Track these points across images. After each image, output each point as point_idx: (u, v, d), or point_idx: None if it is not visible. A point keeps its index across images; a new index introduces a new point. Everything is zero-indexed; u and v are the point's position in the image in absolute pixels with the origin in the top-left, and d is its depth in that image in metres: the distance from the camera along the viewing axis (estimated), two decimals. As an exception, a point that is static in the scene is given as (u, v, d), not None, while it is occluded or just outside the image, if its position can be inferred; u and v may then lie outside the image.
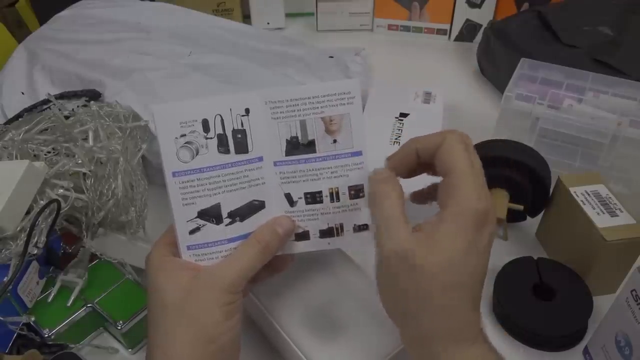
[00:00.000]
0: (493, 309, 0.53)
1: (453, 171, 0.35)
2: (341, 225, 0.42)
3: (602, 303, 0.50)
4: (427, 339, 0.35)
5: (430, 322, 0.34)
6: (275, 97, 0.40)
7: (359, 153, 0.40)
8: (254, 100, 0.40)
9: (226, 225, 0.40)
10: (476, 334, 0.35)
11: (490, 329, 0.51)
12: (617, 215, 0.50)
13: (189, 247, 0.39)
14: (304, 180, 0.41)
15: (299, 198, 0.41)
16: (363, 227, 0.42)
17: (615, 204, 0.51)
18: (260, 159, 0.40)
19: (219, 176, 0.39)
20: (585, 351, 0.49)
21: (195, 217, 0.39)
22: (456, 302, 0.34)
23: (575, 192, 0.53)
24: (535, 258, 0.54)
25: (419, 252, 0.33)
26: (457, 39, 0.96)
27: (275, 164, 0.41)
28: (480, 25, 0.93)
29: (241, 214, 0.40)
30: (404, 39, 0.98)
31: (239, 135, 0.40)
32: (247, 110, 0.40)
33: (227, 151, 0.39)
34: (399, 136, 0.63)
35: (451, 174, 0.35)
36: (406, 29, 0.98)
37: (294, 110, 0.40)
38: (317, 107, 0.40)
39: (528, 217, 0.60)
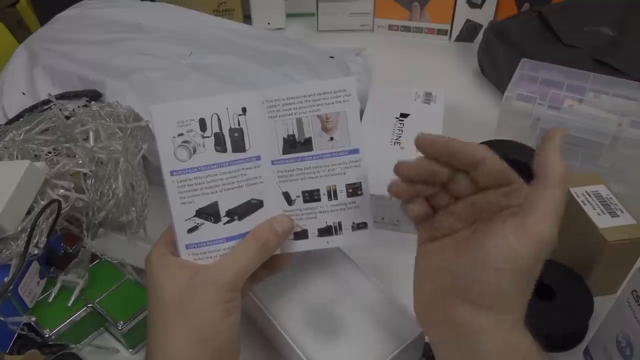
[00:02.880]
0: (493, 310, 0.53)
1: (516, 180, 0.35)
2: (339, 224, 0.42)
3: (603, 303, 0.50)
4: (473, 330, 0.34)
5: (523, 299, 0.35)
6: (271, 96, 0.40)
7: (356, 151, 0.41)
8: (251, 99, 0.40)
9: (224, 223, 0.40)
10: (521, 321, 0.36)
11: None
12: (617, 216, 0.50)
13: (187, 246, 0.39)
14: (301, 179, 0.41)
15: (297, 196, 0.41)
16: (362, 225, 0.42)
17: (615, 204, 0.51)
18: (258, 157, 0.40)
19: (216, 175, 0.39)
20: (586, 352, 0.49)
21: (194, 216, 0.39)
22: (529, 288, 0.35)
23: (575, 192, 0.53)
24: (536, 258, 0.54)
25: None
26: (457, 39, 0.96)
27: (272, 162, 0.41)
28: (481, 26, 0.93)
29: (239, 212, 0.40)
30: (404, 39, 0.98)
31: (236, 134, 0.40)
32: (244, 110, 0.40)
33: (224, 150, 0.40)
34: (400, 136, 0.63)
35: (517, 183, 0.35)
36: (407, 29, 0.98)
37: (291, 109, 0.40)
38: (314, 105, 0.40)
39: (528, 218, 0.59)
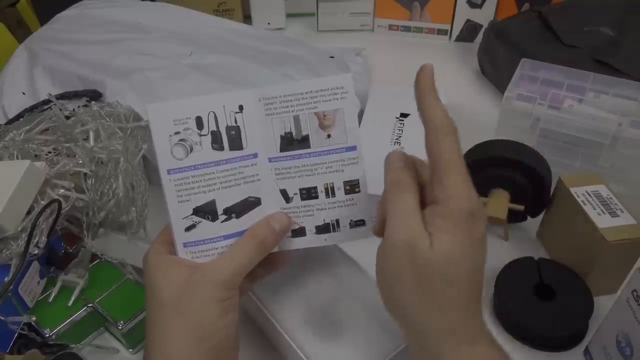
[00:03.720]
0: (494, 309, 0.53)
1: (441, 162, 0.34)
2: (337, 221, 0.42)
3: (603, 303, 0.50)
4: (428, 336, 0.34)
5: (430, 318, 0.33)
6: (268, 94, 0.40)
7: (353, 148, 0.41)
8: (248, 97, 0.40)
9: (222, 222, 0.40)
10: (480, 334, 0.34)
11: (491, 330, 0.51)
12: (618, 216, 0.50)
13: (185, 245, 0.39)
14: (299, 176, 0.41)
15: (294, 194, 0.41)
16: (359, 223, 0.42)
17: (616, 204, 0.51)
18: (255, 155, 0.40)
19: (213, 173, 0.39)
20: (586, 351, 0.49)
21: (191, 214, 0.39)
22: (456, 298, 0.33)
23: (576, 192, 0.53)
24: (536, 258, 0.54)
25: (424, 244, 0.33)
26: (457, 39, 0.96)
27: (269, 160, 0.41)
28: (481, 26, 0.93)
29: (237, 210, 0.40)
30: (404, 39, 0.98)
31: (233, 132, 0.40)
32: (241, 107, 0.40)
33: (221, 148, 0.40)
34: (400, 136, 0.63)
35: (440, 165, 0.34)
36: (407, 29, 0.98)
37: (288, 106, 0.40)
38: (311, 103, 0.40)
39: (529, 218, 0.60)
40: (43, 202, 0.48)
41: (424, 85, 0.37)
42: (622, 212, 0.51)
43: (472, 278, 0.34)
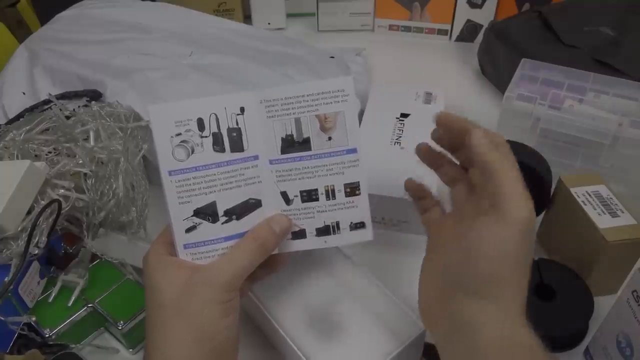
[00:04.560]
0: (494, 310, 0.53)
1: (499, 175, 0.35)
2: (337, 223, 0.42)
3: (603, 304, 0.50)
4: (517, 310, 0.35)
5: (523, 291, 0.35)
6: (270, 96, 0.40)
7: (354, 150, 0.41)
8: (249, 99, 0.40)
9: (222, 223, 0.40)
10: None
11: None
12: (618, 216, 0.50)
13: (185, 246, 0.39)
14: (299, 178, 0.41)
15: (295, 196, 0.41)
16: (359, 225, 0.42)
17: (616, 204, 0.51)
18: (256, 157, 0.41)
19: (214, 174, 0.40)
20: (586, 352, 0.49)
21: (192, 216, 0.39)
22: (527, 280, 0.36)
23: (576, 192, 0.53)
24: (536, 258, 0.54)
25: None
26: (458, 39, 0.96)
27: (270, 162, 0.41)
28: (481, 26, 0.93)
29: (237, 212, 0.40)
30: (404, 39, 0.98)
31: (234, 134, 0.40)
32: (242, 109, 0.40)
33: (223, 150, 0.40)
34: (400, 136, 0.63)
35: (497, 177, 0.35)
36: (407, 29, 0.98)
37: (289, 109, 0.40)
38: (312, 105, 0.40)
39: (529, 218, 0.59)
40: (43, 202, 0.48)
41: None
42: (623, 212, 0.50)
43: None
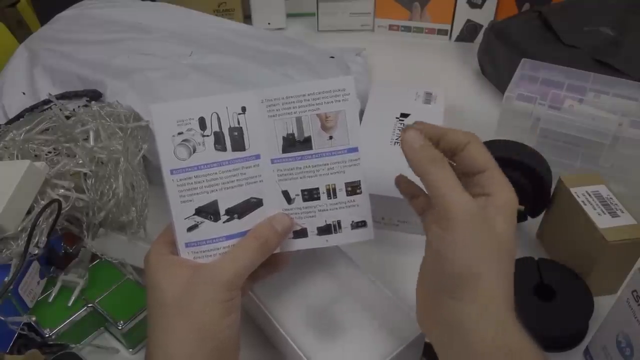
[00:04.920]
0: (494, 310, 0.53)
1: (490, 168, 0.37)
2: (339, 222, 0.42)
3: (603, 303, 0.50)
4: (496, 302, 0.35)
5: (504, 283, 0.35)
6: (271, 96, 0.40)
7: (355, 149, 0.41)
8: (250, 98, 0.40)
9: (224, 222, 0.40)
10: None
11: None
12: (618, 216, 0.50)
13: (187, 245, 0.40)
14: (301, 177, 0.41)
15: (296, 195, 0.41)
16: (361, 224, 0.42)
17: (616, 204, 0.51)
18: (257, 156, 0.41)
19: (216, 173, 0.40)
20: (586, 352, 0.49)
21: (193, 215, 0.39)
22: (510, 275, 0.36)
23: (576, 192, 0.53)
24: (536, 258, 0.54)
25: (495, 218, 0.36)
26: (458, 39, 0.96)
27: (272, 161, 0.41)
28: (481, 26, 0.93)
29: (239, 211, 0.40)
30: (404, 39, 0.98)
31: (236, 133, 0.40)
32: (244, 109, 0.40)
33: (224, 149, 0.40)
34: (400, 136, 0.63)
35: (489, 170, 0.37)
36: (407, 29, 0.98)
37: (290, 108, 0.40)
38: (313, 104, 0.40)
39: (529, 218, 0.60)
40: (43, 202, 0.48)
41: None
42: (622, 212, 0.50)
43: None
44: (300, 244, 0.42)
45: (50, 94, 0.62)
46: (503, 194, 0.36)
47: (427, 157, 0.36)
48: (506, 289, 0.35)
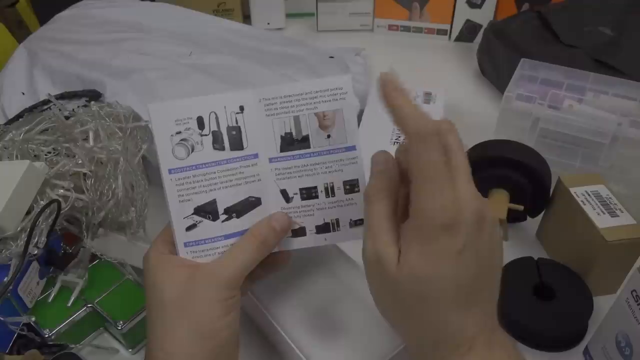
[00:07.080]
0: (493, 309, 0.53)
1: (413, 175, 0.32)
2: (337, 221, 0.42)
3: (603, 303, 0.50)
4: (412, 346, 0.35)
5: (410, 331, 0.34)
6: (269, 95, 0.40)
7: (352, 148, 0.41)
8: (248, 98, 0.40)
9: (222, 221, 0.40)
10: (470, 340, 0.32)
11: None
12: (617, 216, 0.50)
13: (186, 244, 0.40)
14: (299, 176, 0.41)
15: (294, 194, 0.41)
16: (359, 222, 0.42)
17: (615, 204, 0.51)
18: (256, 155, 0.41)
19: (214, 172, 0.40)
20: (586, 351, 0.49)
21: (192, 214, 0.39)
22: (432, 314, 0.32)
23: (575, 192, 0.53)
24: (536, 258, 0.54)
25: (390, 261, 0.32)
26: (457, 39, 0.96)
27: (270, 160, 0.41)
28: (481, 26, 0.93)
29: (237, 210, 0.40)
30: (404, 39, 0.98)
31: (234, 132, 0.40)
32: (242, 108, 0.40)
33: (222, 148, 0.40)
34: (399, 136, 0.63)
35: (413, 179, 0.32)
36: (406, 29, 0.98)
37: (288, 107, 0.40)
38: (311, 103, 0.40)
39: (528, 218, 0.60)
40: (43, 202, 0.48)
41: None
42: (622, 212, 0.51)
43: (451, 291, 0.32)
44: (298, 243, 0.42)
45: (49, 94, 0.62)
46: (421, 215, 0.31)
47: (367, 190, 0.35)
48: (460, 318, 0.32)
